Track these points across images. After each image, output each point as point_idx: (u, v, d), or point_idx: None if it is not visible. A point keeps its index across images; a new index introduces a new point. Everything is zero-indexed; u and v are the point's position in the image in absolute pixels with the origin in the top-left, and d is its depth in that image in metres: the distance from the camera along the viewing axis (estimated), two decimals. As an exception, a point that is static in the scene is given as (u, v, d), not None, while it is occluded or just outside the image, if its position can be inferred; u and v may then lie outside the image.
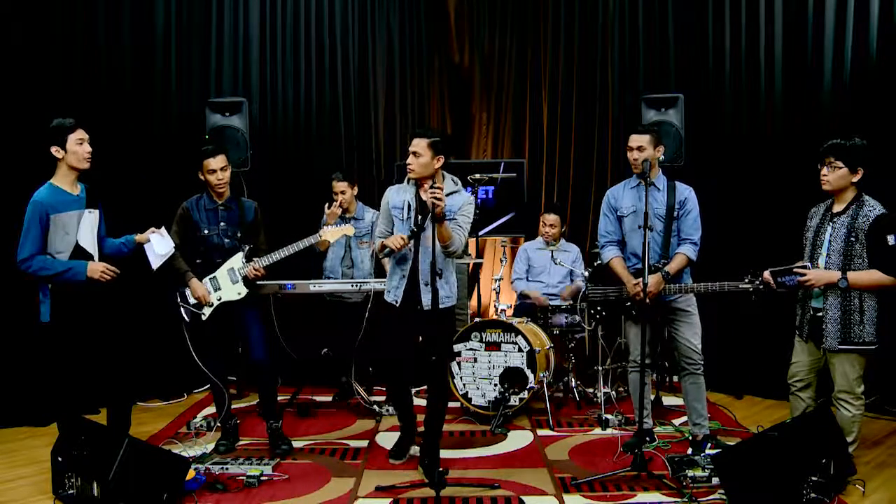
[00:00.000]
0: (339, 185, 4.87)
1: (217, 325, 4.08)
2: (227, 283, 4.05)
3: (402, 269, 3.71)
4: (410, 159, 3.61)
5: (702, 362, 3.91)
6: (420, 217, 3.61)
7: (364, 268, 4.96)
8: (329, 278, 4.92)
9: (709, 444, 3.90)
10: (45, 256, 3.51)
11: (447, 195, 3.61)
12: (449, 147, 3.72)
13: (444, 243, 3.54)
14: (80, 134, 3.57)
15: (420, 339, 3.80)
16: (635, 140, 3.88)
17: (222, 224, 4.06)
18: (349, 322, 4.79)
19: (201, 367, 4.05)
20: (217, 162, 3.98)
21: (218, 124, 5.21)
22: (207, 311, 4.06)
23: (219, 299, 4.05)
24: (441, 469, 3.31)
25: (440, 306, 3.61)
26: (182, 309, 4.08)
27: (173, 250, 3.88)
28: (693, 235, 3.91)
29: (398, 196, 3.76)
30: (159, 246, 3.83)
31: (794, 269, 3.54)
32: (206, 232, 4.05)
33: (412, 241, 3.62)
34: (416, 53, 6.34)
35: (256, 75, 5.87)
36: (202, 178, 4.02)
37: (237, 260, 4.04)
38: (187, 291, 4.06)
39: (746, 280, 3.68)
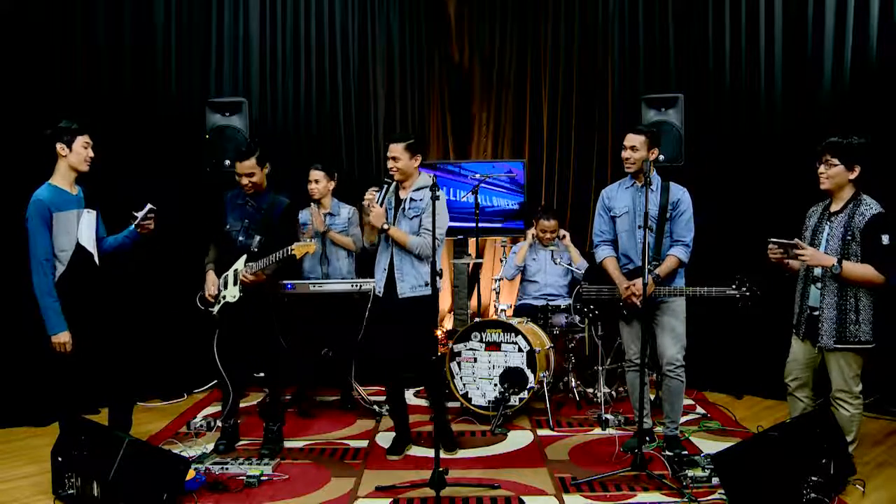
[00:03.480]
0: (315, 174, 4.90)
1: (231, 323, 4.08)
2: (230, 284, 4.06)
3: (383, 263, 3.99)
4: (391, 164, 3.93)
5: (681, 365, 3.90)
6: (389, 213, 3.92)
7: (341, 266, 4.95)
8: (309, 278, 4.89)
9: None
10: (51, 284, 3.55)
11: (416, 190, 3.97)
12: (423, 145, 4.00)
13: (406, 248, 3.90)
14: (87, 138, 3.68)
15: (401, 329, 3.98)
16: (630, 139, 3.88)
17: (245, 221, 4.07)
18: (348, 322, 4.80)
19: (218, 364, 4.06)
20: (243, 167, 3.99)
21: (218, 124, 5.21)
22: (216, 308, 4.09)
23: (223, 298, 4.06)
24: (441, 469, 3.32)
25: (409, 295, 3.91)
26: (200, 305, 4.16)
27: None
28: (685, 237, 3.90)
29: (381, 191, 4.00)
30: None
31: (792, 244, 3.52)
32: (228, 227, 4.09)
33: (390, 238, 3.93)
34: (416, 53, 6.35)
35: (256, 75, 5.87)
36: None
37: (240, 262, 4.05)
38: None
39: (733, 286, 3.72)
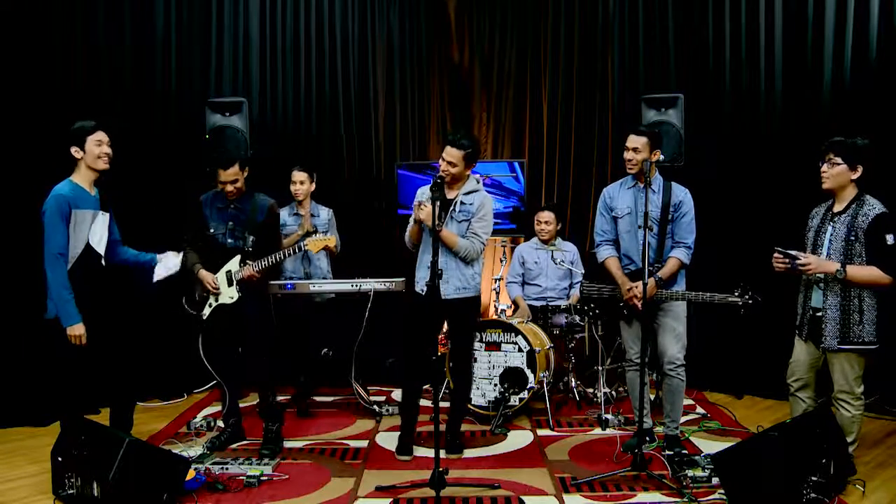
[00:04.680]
0: (299, 175, 4.88)
1: (222, 325, 4.07)
2: (223, 286, 4.04)
3: (427, 260, 3.85)
4: (445, 166, 3.83)
5: (681, 365, 3.90)
6: (442, 214, 3.79)
7: (322, 266, 4.97)
8: (291, 279, 4.88)
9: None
10: (66, 276, 3.54)
11: (466, 193, 3.92)
12: (479, 154, 3.99)
13: (453, 250, 3.84)
14: (100, 136, 3.68)
15: (443, 328, 4.03)
16: (632, 141, 3.87)
17: (230, 223, 4.05)
18: (324, 321, 4.85)
19: (208, 366, 4.06)
20: (227, 175, 3.97)
21: (218, 124, 5.20)
22: (206, 312, 4.06)
23: (216, 301, 4.05)
24: (441, 469, 3.32)
25: (453, 297, 3.88)
26: (187, 309, 4.12)
27: (176, 269, 4.01)
28: (687, 239, 3.90)
29: (423, 192, 3.96)
30: (168, 262, 4.00)
31: (795, 256, 3.52)
32: (211, 230, 4.05)
33: (433, 238, 3.68)
34: (416, 53, 6.34)
35: (256, 75, 5.87)
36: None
37: (234, 263, 4.03)
38: (196, 291, 4.10)
39: (736, 293, 3.70)
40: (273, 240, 4.10)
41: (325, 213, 5.03)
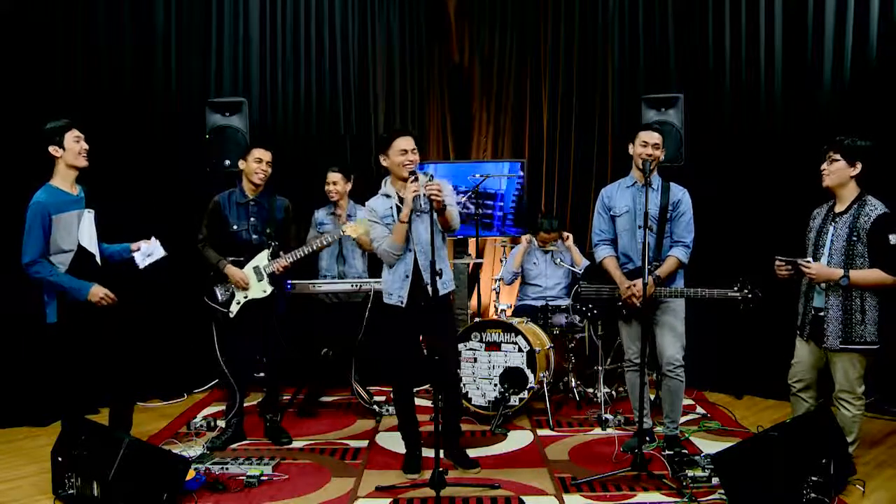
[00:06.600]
0: (333, 176, 4.88)
1: (244, 322, 4.10)
2: (252, 281, 4.07)
3: (404, 269, 3.71)
4: (410, 156, 3.68)
5: (680, 365, 3.90)
6: (415, 212, 3.65)
7: (357, 266, 4.97)
8: (325, 277, 4.93)
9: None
10: (52, 266, 3.54)
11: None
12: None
13: (449, 226, 3.70)
14: (76, 132, 3.65)
15: (425, 335, 3.90)
16: (655, 137, 3.85)
17: (252, 219, 4.10)
18: (348, 322, 4.81)
19: (222, 364, 4.11)
20: (266, 154, 4.10)
21: (218, 124, 5.20)
22: (235, 309, 4.09)
23: (245, 297, 4.07)
24: (441, 469, 3.31)
25: (444, 292, 3.75)
26: (213, 307, 4.14)
27: (163, 255, 3.87)
28: (685, 238, 3.90)
29: (382, 205, 3.77)
30: (148, 250, 3.85)
31: (799, 263, 3.54)
32: (235, 227, 4.09)
33: (409, 241, 3.66)
34: (416, 53, 6.35)
35: (256, 75, 5.87)
36: (241, 167, 4.11)
37: (262, 258, 4.07)
38: (216, 290, 4.11)
39: (735, 288, 3.70)
40: (287, 239, 4.20)
41: (361, 214, 5.01)
